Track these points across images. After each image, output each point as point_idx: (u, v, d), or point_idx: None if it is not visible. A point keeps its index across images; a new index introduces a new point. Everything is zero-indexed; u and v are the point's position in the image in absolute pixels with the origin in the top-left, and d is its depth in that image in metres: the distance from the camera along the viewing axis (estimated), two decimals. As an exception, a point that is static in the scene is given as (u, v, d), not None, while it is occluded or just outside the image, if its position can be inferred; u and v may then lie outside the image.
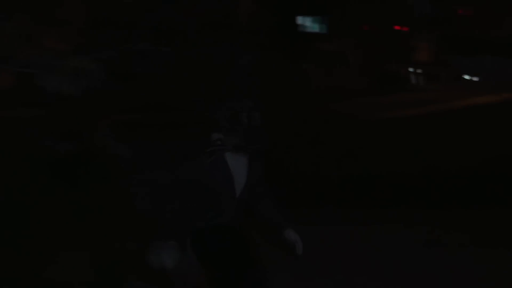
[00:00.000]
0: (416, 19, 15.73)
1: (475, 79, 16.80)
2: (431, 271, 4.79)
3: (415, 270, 4.62)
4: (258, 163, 2.84)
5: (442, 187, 7.15)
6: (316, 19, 15.67)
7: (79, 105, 5.36)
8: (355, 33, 15.63)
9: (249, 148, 2.75)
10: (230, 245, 2.73)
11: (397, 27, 16.65)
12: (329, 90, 12.97)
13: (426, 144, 9.18)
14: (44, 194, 4.15)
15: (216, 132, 2.78)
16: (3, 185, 4.19)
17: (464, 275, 4.44)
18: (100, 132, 5.57)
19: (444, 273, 4.55)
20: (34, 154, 4.47)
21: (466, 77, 17.58)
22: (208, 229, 2.74)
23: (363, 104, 12.41)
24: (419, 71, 15.99)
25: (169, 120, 9.76)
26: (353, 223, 6.44)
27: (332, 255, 4.76)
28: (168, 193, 2.73)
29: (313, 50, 15.09)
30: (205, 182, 2.69)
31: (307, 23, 15.60)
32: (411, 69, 16.57)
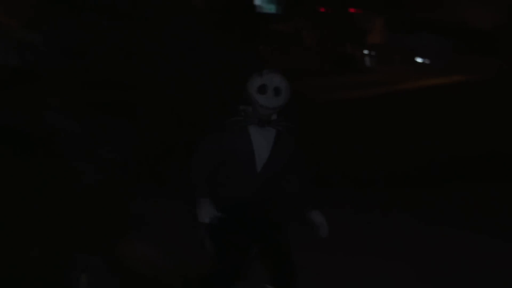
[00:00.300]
0: (370, 2, 16.12)
1: (427, 61, 17.46)
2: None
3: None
4: (288, 140, 2.75)
5: (388, 168, 7.35)
6: (273, 0, 15.81)
7: (29, 80, 5.29)
8: (311, 15, 15.86)
9: (275, 123, 2.72)
10: (248, 220, 2.73)
11: (352, 10, 17.03)
12: (284, 71, 13.15)
13: (376, 125, 9.42)
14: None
15: (243, 104, 2.73)
16: None
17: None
18: (50, 108, 5.53)
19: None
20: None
21: (419, 59, 18.24)
22: (229, 202, 2.74)
23: (316, 85, 12.64)
24: (373, 53, 16.44)
25: (121, 98, 9.69)
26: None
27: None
28: (195, 158, 2.72)
29: (269, 31, 15.26)
30: (225, 152, 2.70)
31: (263, 4, 15.71)
32: (365, 51, 17.03)
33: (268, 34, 15.15)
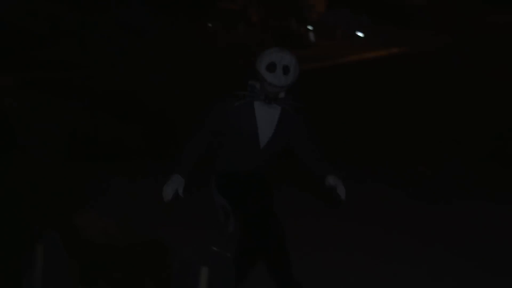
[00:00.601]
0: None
1: (361, 35, 18.30)
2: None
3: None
4: (293, 119, 2.75)
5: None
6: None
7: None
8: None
9: (282, 101, 2.72)
10: (250, 192, 2.75)
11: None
12: (232, 47, 13.54)
13: (321, 96, 9.75)
14: None
15: (253, 79, 2.72)
16: None
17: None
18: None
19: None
20: None
21: (360, 34, 19.05)
22: (233, 174, 2.77)
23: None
24: (311, 28, 17.02)
25: (66, 77, 9.86)
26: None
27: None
28: (193, 138, 2.70)
29: (216, 8, 15.55)
30: (229, 125, 2.70)
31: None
32: (309, 27, 17.60)
33: (215, 12, 15.47)
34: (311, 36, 17.12)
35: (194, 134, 2.69)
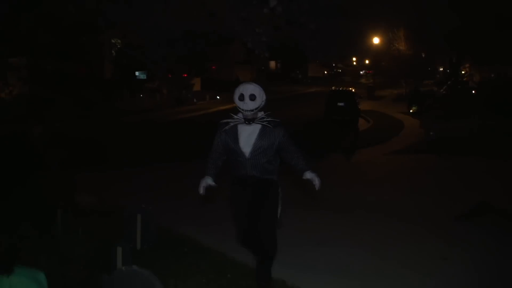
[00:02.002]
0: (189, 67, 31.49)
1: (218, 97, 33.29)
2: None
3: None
4: (272, 132, 3.46)
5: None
6: (143, 72, 30.55)
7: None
8: (164, 79, 30.97)
9: (259, 120, 3.47)
10: (246, 194, 3.54)
11: (185, 75, 32.43)
12: (154, 107, 27.71)
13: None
14: None
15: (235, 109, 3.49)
16: None
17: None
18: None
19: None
20: None
21: (218, 97, 33.71)
22: (234, 179, 3.62)
23: (164, 113, 25.15)
24: (191, 95, 31.76)
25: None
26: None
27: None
28: (211, 150, 3.64)
29: (143, 87, 29.87)
30: (224, 145, 3.56)
31: (139, 74, 30.47)
32: (191, 95, 32.25)
33: (141, 88, 29.78)
34: (194, 99, 31.84)
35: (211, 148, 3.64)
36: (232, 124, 3.51)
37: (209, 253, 4.44)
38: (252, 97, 3.40)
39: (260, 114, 3.52)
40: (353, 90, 21.41)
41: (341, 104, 19.28)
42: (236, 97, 3.45)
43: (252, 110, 3.43)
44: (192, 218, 5.77)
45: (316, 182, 3.45)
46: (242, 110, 3.45)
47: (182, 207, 6.32)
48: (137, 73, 30.22)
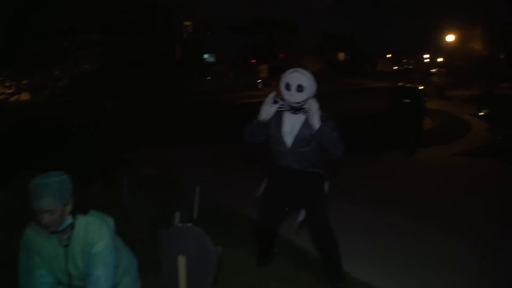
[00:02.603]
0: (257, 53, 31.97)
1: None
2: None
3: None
4: (322, 122, 3.09)
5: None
6: (211, 55, 31.37)
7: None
8: (231, 63, 31.71)
9: (305, 111, 3.15)
10: (285, 187, 3.37)
11: (253, 60, 33.03)
12: (220, 89, 28.49)
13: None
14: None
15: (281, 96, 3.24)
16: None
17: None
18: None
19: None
20: None
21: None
22: (273, 170, 3.39)
23: (229, 96, 26.78)
24: (260, 81, 32.31)
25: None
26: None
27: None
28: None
29: (211, 70, 30.73)
30: (269, 131, 3.30)
31: (207, 57, 31.31)
32: (259, 80, 32.89)
33: (210, 71, 30.65)
34: (259, 85, 32.38)
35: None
36: (281, 109, 3.24)
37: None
38: (300, 89, 3.10)
39: (307, 103, 3.20)
40: (420, 88, 20.87)
41: (407, 100, 18.90)
42: (282, 85, 3.16)
43: (299, 103, 3.15)
44: (244, 194, 6.07)
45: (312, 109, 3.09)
46: (287, 100, 3.18)
47: (237, 183, 6.64)
48: (205, 56, 30.97)
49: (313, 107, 3.09)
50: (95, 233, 2.34)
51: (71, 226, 2.34)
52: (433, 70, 57.25)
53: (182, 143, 10.52)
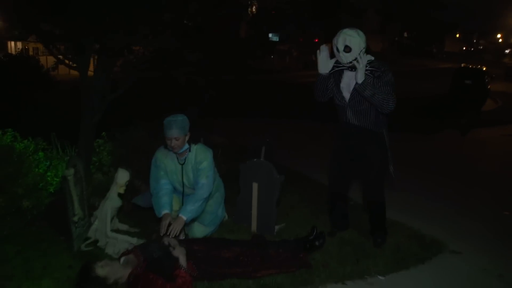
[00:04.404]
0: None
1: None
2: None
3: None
4: (375, 80, 3.25)
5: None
6: (275, 34, 32.21)
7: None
8: (295, 42, 32.38)
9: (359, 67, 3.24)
10: (348, 145, 3.54)
11: (316, 40, 33.52)
12: (282, 68, 29.37)
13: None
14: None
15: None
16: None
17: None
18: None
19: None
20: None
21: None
22: (338, 128, 3.60)
23: (291, 75, 27.72)
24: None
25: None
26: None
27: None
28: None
29: (274, 49, 31.62)
30: (330, 86, 3.48)
31: (272, 36, 32.19)
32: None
33: (274, 50, 31.55)
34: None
35: None
36: (336, 68, 3.42)
37: (315, 185, 5.53)
38: (347, 49, 3.25)
39: (367, 58, 3.32)
40: (484, 69, 20.73)
41: (468, 82, 18.97)
42: (334, 47, 3.32)
43: (350, 62, 3.30)
44: (302, 160, 7.03)
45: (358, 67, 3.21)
46: (341, 61, 3.35)
47: (301, 152, 7.55)
48: (270, 35, 31.87)
49: (360, 62, 3.24)
50: (202, 155, 3.45)
51: (188, 150, 3.47)
52: (507, 51, 54.83)
53: (245, 117, 11.52)
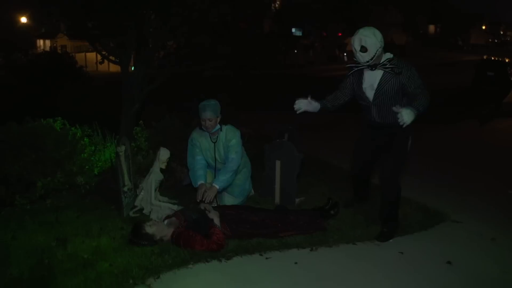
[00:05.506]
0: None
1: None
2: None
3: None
4: (392, 78, 3.32)
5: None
6: (298, 29, 32.61)
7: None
8: (318, 36, 32.70)
9: (382, 66, 3.33)
10: (371, 139, 3.74)
11: (339, 34, 33.80)
12: (306, 62, 29.77)
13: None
14: None
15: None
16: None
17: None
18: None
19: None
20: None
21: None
22: (364, 123, 3.77)
23: (315, 69, 28.13)
24: (346, 54, 33.06)
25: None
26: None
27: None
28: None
29: (297, 43, 32.01)
30: (351, 87, 3.63)
31: (295, 31, 32.61)
32: (345, 54, 33.65)
33: (297, 44, 31.95)
34: (345, 58, 33.20)
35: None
36: (356, 69, 3.46)
37: (334, 169, 5.90)
38: (363, 49, 3.28)
39: (386, 56, 3.37)
40: (506, 60, 20.76)
41: (490, 74, 19.07)
42: (352, 48, 3.39)
43: (367, 61, 3.33)
44: (323, 147, 7.48)
45: (401, 117, 3.14)
46: (359, 61, 3.40)
47: (323, 141, 8.01)
48: (293, 30, 32.30)
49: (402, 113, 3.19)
50: (231, 134, 4.05)
51: (219, 130, 4.07)
52: (536, 42, 53.79)
53: (270, 109, 11.98)
